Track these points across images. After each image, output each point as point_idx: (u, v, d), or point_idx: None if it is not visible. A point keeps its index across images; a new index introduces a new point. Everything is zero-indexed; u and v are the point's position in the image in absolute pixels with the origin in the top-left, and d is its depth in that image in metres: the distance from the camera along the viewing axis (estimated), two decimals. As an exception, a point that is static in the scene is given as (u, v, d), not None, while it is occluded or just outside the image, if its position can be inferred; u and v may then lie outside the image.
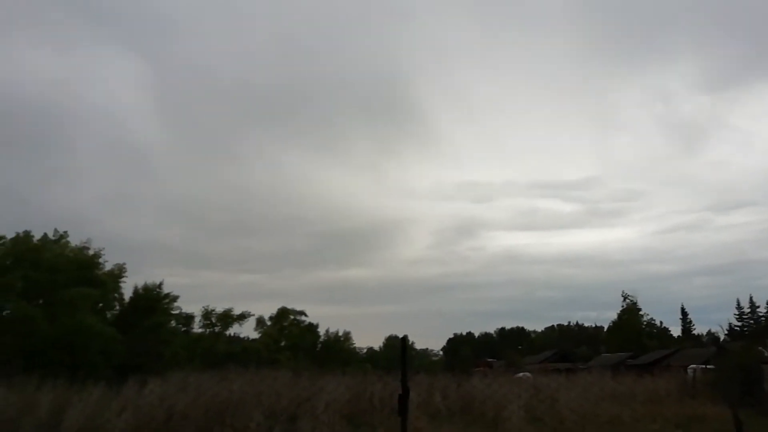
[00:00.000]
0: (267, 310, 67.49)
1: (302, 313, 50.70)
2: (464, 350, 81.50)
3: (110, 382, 18.60)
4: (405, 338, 8.78)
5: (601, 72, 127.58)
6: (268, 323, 48.74)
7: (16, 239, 29.25)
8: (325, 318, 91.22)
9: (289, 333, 49.02)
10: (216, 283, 73.23)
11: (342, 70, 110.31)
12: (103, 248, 33.27)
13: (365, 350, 69.45)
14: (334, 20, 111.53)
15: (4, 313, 26.62)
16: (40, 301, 28.93)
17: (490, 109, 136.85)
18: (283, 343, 48.04)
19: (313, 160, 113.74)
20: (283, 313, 49.35)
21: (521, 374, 32.23)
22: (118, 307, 34.79)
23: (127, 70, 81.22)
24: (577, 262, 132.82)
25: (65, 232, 32.28)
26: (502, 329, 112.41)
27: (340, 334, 55.29)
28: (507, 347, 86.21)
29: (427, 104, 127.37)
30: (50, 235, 31.42)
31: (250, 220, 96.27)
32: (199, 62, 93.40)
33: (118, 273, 33.85)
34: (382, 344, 74.07)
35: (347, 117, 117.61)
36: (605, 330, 78.46)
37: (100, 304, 32.68)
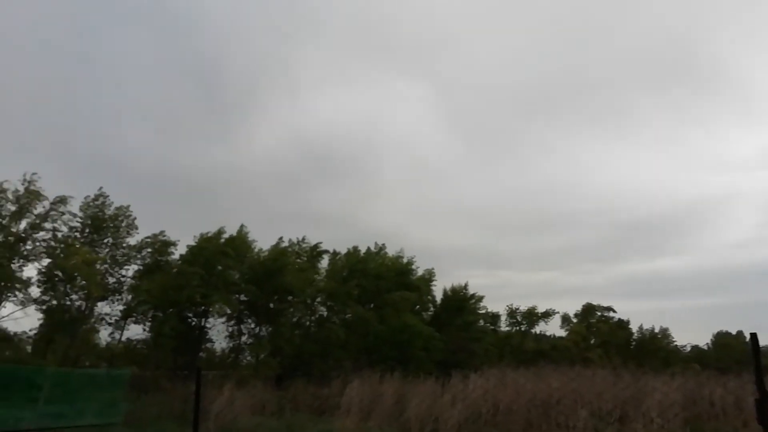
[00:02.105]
0: (570, 306, 65.53)
1: (610, 309, 47.71)
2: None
3: (435, 376, 20.51)
4: (755, 336, 7.53)
5: None
6: (574, 320, 47.18)
7: (348, 254, 34.70)
8: (636, 313, 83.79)
9: (597, 330, 46.59)
10: (515, 282, 74.24)
11: (626, 43, 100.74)
12: (414, 256, 37.18)
13: (688, 348, 61.45)
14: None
15: (347, 316, 31.63)
16: (371, 305, 33.57)
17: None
18: (592, 341, 45.89)
19: (603, 144, 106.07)
20: (589, 309, 47.17)
21: None
22: (432, 308, 38.18)
23: (416, 95, 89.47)
24: None
25: (383, 244, 37.03)
26: None
27: (656, 330, 50.29)
28: None
29: (736, 58, 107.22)
30: (372, 248, 36.40)
31: (542, 217, 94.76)
32: (476, 70, 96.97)
33: (428, 277, 37.27)
34: (709, 341, 64.48)
35: (638, 91, 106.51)
36: None
37: (417, 306, 36.35)
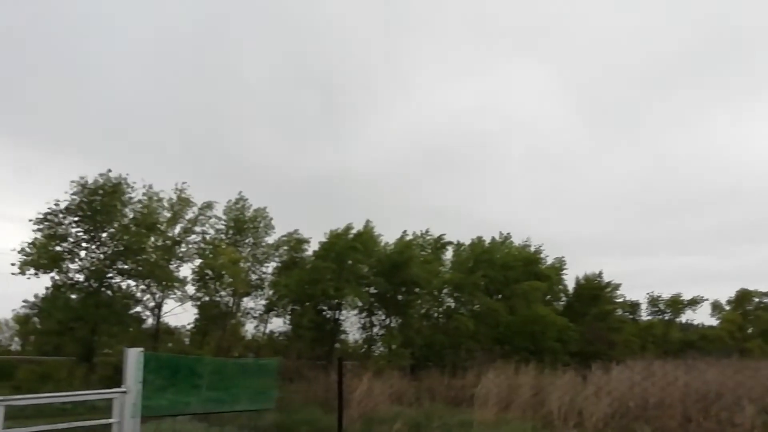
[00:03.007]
0: (720, 293, 59.70)
1: (768, 294, 42.85)
2: None
3: (572, 368, 19.69)
4: None
5: None
6: (727, 308, 42.98)
7: (473, 245, 34.41)
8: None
9: (756, 318, 42.02)
10: (654, 268, 68.75)
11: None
12: (542, 244, 36.04)
13: None
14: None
15: (475, 307, 31.40)
16: (499, 296, 33.05)
17: None
18: (750, 330, 41.50)
19: (750, 117, 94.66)
20: (745, 295, 42.66)
21: None
22: (564, 298, 36.76)
23: (534, 78, 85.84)
24: None
25: (509, 233, 36.27)
26: None
27: (830, 318, 44.27)
28: None
29: None
30: (497, 238, 35.77)
31: (683, 197, 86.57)
32: (600, 45, 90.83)
33: (559, 266, 35.95)
34: None
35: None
36: None
37: (548, 296, 35.22)
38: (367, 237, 29.55)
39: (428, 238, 33.84)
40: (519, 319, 30.38)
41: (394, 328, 29.29)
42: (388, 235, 32.02)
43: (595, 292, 35.62)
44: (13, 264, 22.25)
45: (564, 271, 36.44)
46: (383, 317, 30.12)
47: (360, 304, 28.54)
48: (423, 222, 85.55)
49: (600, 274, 36.42)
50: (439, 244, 33.91)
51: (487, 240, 35.24)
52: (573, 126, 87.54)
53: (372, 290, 29.23)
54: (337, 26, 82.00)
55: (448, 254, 34.29)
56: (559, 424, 12.71)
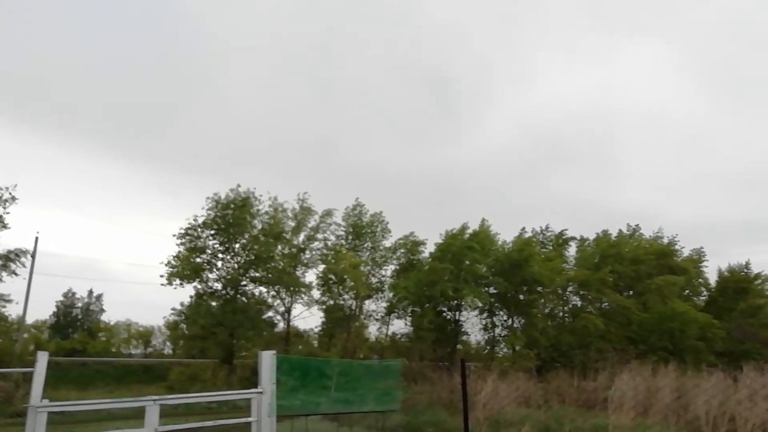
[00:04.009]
0: None
1: None
2: None
3: (719, 369, 17.93)
4: None
5: None
6: None
7: (598, 239, 32.59)
8: None
9: None
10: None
11: None
12: (676, 235, 33.35)
13: None
14: None
15: (603, 305, 29.70)
16: (630, 292, 30.99)
17: None
18: None
19: None
20: None
21: None
22: (705, 293, 33.71)
23: (654, 54, 79.17)
24: None
25: (637, 225, 34.00)
26: None
27: None
28: None
29: None
30: (624, 230, 33.62)
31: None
32: (726, 22, 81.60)
33: (697, 258, 33.04)
34: None
35: None
36: None
37: (686, 291, 32.46)
38: (483, 236, 29.10)
39: (548, 234, 32.68)
40: (654, 317, 28.28)
41: (517, 328, 28.55)
42: (506, 233, 31.37)
43: (742, 285, 32.26)
44: (161, 276, 24.79)
45: (704, 263, 33.48)
46: (505, 318, 29.50)
47: (480, 304, 28.18)
48: (542, 218, 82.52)
49: (747, 265, 32.97)
50: (561, 240, 32.60)
51: (614, 233, 33.29)
52: (703, 105, 79.79)
53: (492, 290, 28.74)
54: (451, 18, 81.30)
55: (572, 250, 32.87)
56: (708, 430, 11.62)
